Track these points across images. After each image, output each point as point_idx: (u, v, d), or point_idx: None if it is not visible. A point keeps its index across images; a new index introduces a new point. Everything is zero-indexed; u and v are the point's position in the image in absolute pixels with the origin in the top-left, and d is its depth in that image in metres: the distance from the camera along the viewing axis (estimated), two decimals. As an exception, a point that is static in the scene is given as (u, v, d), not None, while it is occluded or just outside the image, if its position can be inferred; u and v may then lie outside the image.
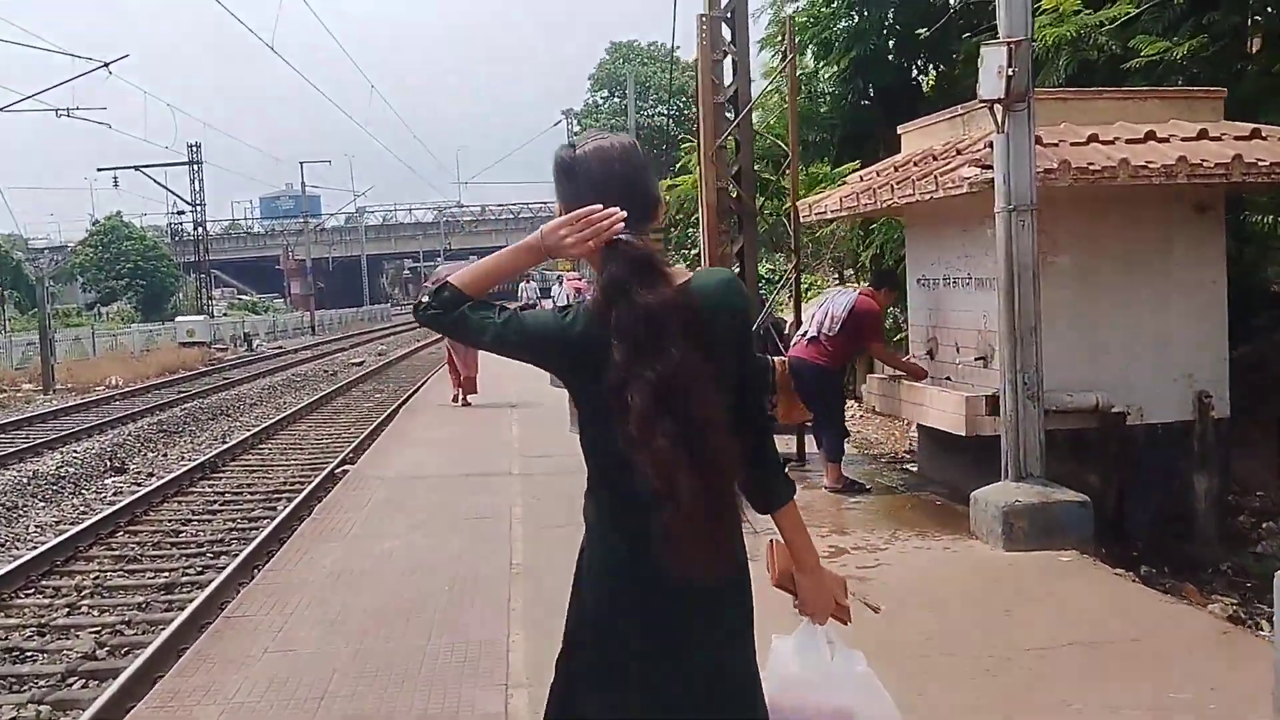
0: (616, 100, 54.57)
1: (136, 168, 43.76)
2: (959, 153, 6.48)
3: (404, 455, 12.39)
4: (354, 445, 15.44)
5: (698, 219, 15.57)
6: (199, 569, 9.53)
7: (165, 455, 16.43)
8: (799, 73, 11.79)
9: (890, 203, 6.75)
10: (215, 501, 12.50)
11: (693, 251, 34.18)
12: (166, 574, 9.43)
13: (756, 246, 8.97)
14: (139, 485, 13.74)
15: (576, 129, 54.50)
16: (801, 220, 8.83)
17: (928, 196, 6.27)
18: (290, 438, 17.61)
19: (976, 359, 7.10)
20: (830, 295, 8.15)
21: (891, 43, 10.81)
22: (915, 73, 11.11)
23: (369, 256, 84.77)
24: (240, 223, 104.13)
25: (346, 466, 13.51)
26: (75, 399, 24.71)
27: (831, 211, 7.67)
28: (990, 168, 5.93)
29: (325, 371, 31.23)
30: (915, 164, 7.01)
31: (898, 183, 6.68)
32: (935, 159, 6.78)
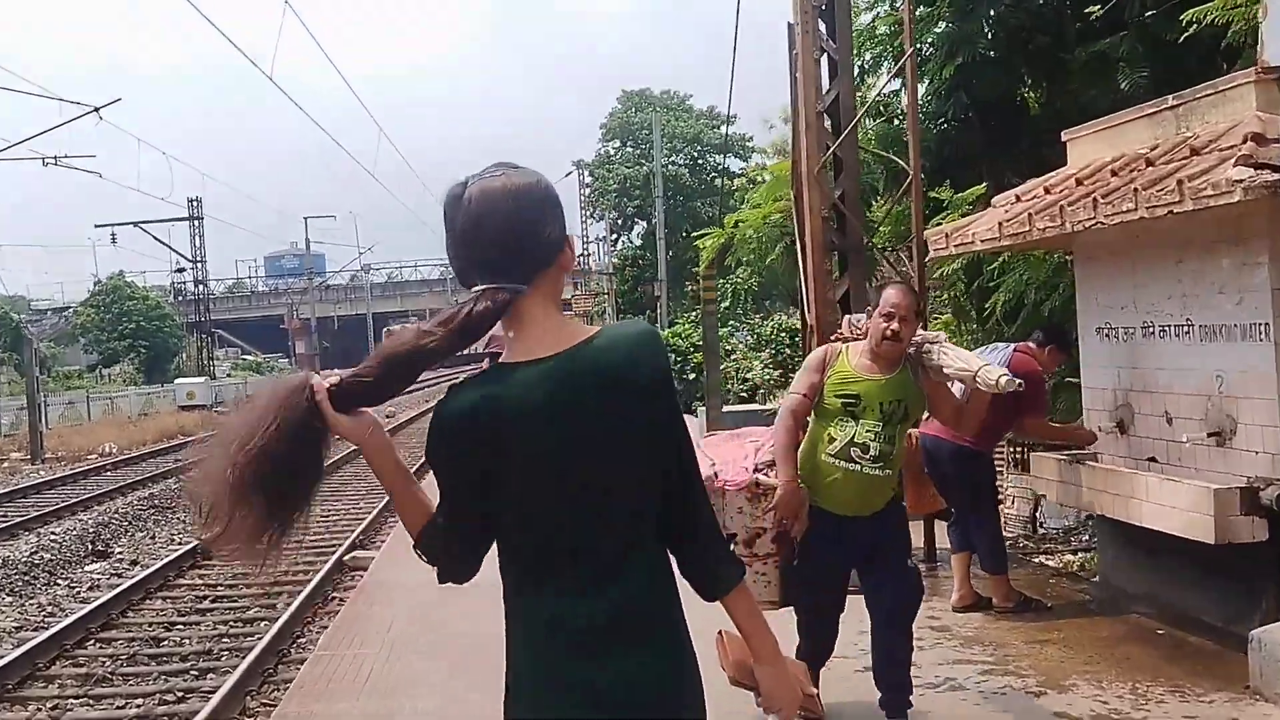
0: (630, 150, 53.29)
1: (135, 223, 42.36)
2: (1195, 152, 4.81)
3: None
4: (365, 524, 13.72)
5: (738, 267, 14.19)
6: (179, 693, 7.82)
7: (154, 537, 14.72)
8: (875, 93, 10.20)
9: (1090, 222, 5.03)
10: (205, 598, 10.79)
11: (723, 305, 32.61)
12: (140, 701, 7.70)
13: (865, 288, 7.27)
14: (120, 575, 12.04)
15: (589, 180, 53.31)
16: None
17: (1165, 211, 4.58)
18: (293, 514, 15.84)
19: (1210, 435, 5.33)
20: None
21: (993, 53, 9.21)
22: (1022, 87, 9.54)
23: (375, 314, 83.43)
24: (244, 281, 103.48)
25: (356, 554, 11.81)
26: (65, 469, 23.15)
27: (983, 240, 5.96)
28: (1273, 167, 4.25)
29: (333, 438, 29.48)
30: (1117, 173, 5.34)
31: (1103, 196, 4.97)
32: (1150, 164, 5.11)
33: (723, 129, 53.97)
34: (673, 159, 48.86)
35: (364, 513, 15.05)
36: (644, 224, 52.53)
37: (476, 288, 1.96)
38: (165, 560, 12.12)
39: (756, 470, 4.76)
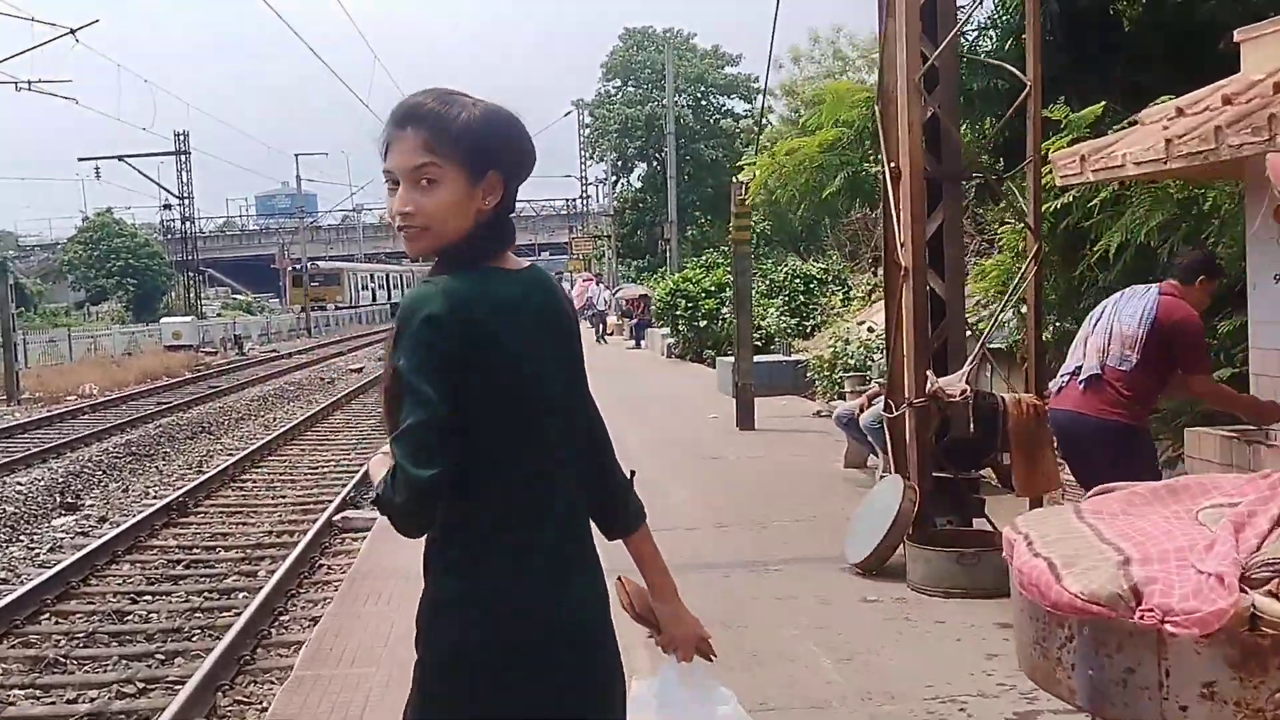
0: (631, 89, 51.71)
1: (119, 157, 40.83)
2: None
3: None
4: (358, 478, 12.56)
5: (789, 202, 13.04)
6: (141, 683, 6.75)
7: (127, 489, 13.53)
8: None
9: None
10: (179, 563, 9.67)
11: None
12: (94, 693, 6.63)
13: (961, 225, 6.08)
14: (86, 534, 10.91)
15: (588, 120, 51.76)
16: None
17: None
18: (279, 465, 14.77)
19: None
20: (1107, 306, 5.12)
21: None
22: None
23: (367, 255, 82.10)
24: (235, 220, 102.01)
25: (348, 513, 10.67)
26: (41, 411, 22.04)
27: (1138, 163, 4.77)
28: None
29: (321, 379, 28.39)
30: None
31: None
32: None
33: (727, 69, 52.51)
34: (675, 99, 47.29)
35: (356, 464, 13.92)
36: (644, 166, 51.14)
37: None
38: (137, 517, 10.99)
39: (1250, 580, 2.33)
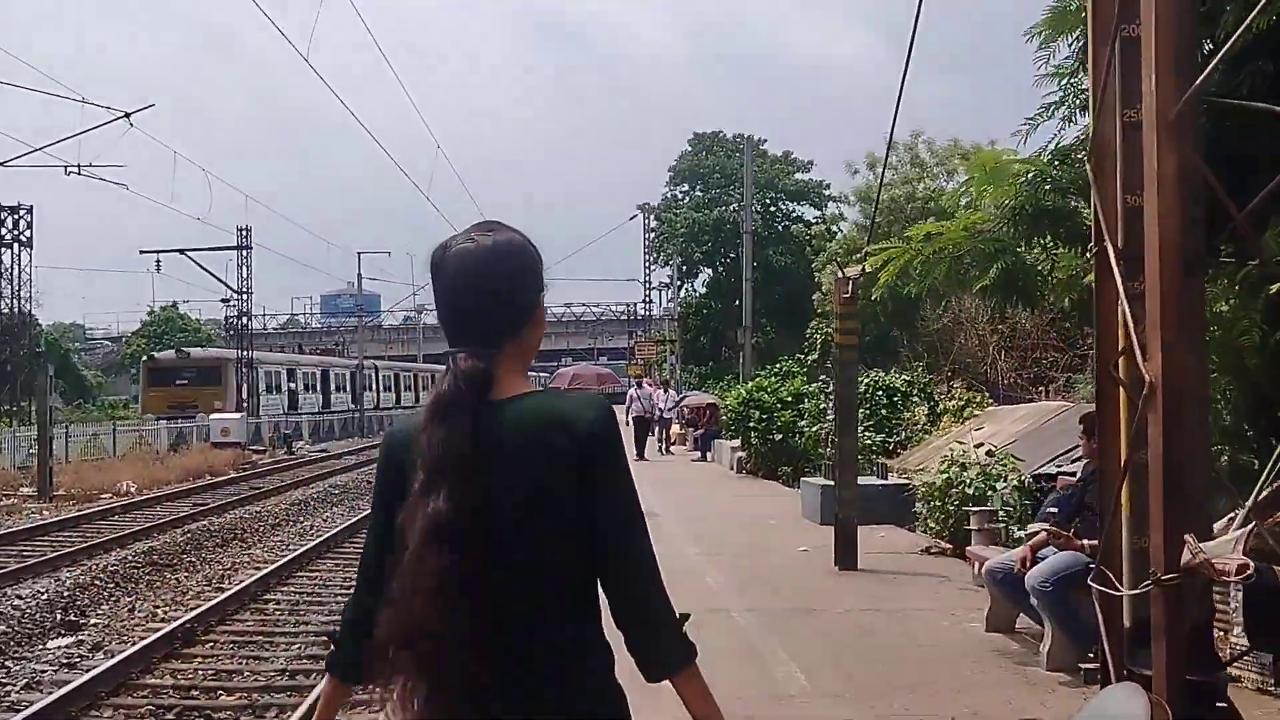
0: (699, 194, 50.84)
1: (181, 251, 40.34)
2: None
3: None
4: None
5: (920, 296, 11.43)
6: None
7: (133, 609, 11.97)
8: None
9: None
10: (170, 710, 8.05)
11: (810, 357, 29.47)
12: None
13: (1205, 325, 4.43)
14: (73, 665, 9.41)
15: (654, 224, 50.86)
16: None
17: None
18: (308, 583, 13.19)
19: None
20: None
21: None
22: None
23: (427, 357, 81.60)
24: (297, 318, 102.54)
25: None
26: (72, 509, 20.75)
27: None
28: None
29: (368, 482, 26.86)
30: None
31: None
32: None
33: (797, 175, 51.53)
34: (743, 206, 46.28)
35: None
36: (710, 272, 49.98)
37: (448, 351, 2.06)
38: (134, 647, 9.44)
39: None
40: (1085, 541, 6.09)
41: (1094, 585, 4.36)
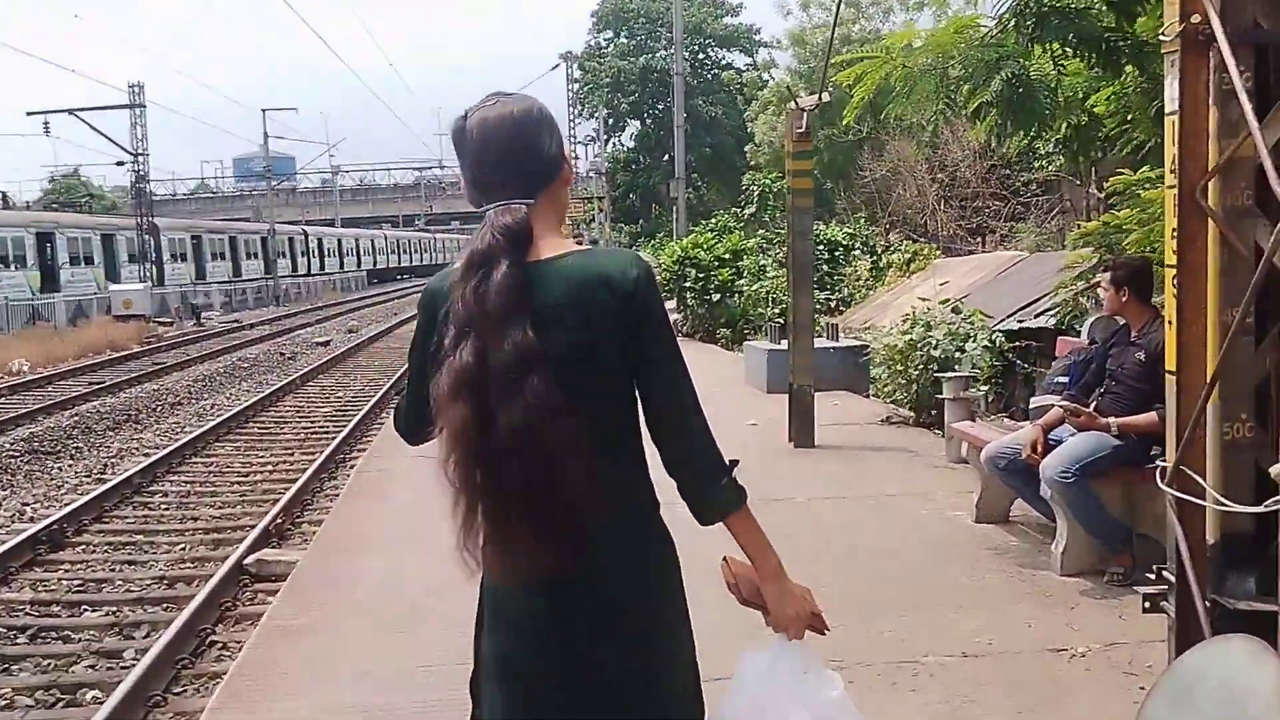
0: (624, 40, 48.50)
1: (70, 111, 37.52)
2: None
3: (380, 567, 6.43)
4: (289, 495, 9.74)
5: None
6: None
7: (4, 503, 10.60)
8: None
9: None
10: (26, 630, 6.85)
11: (746, 210, 28.17)
12: None
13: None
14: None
15: (578, 74, 48.59)
16: None
17: None
18: (199, 471, 11.89)
19: None
20: None
21: None
22: None
23: (344, 221, 79.05)
24: (208, 183, 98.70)
25: (264, 554, 7.88)
26: (-47, 392, 18.99)
27: None
28: None
29: (280, 354, 25.40)
30: None
31: None
32: None
33: (726, 19, 49.40)
34: (670, 51, 44.20)
35: (296, 470, 11.08)
36: (638, 124, 48.02)
37: (486, 207, 2.07)
38: (4, 547, 8.18)
39: None
40: (1112, 420, 5.00)
41: (1168, 490, 3.24)
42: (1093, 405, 5.21)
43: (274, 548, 8.40)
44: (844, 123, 7.77)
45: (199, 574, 7.90)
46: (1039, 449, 5.14)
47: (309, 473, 10.80)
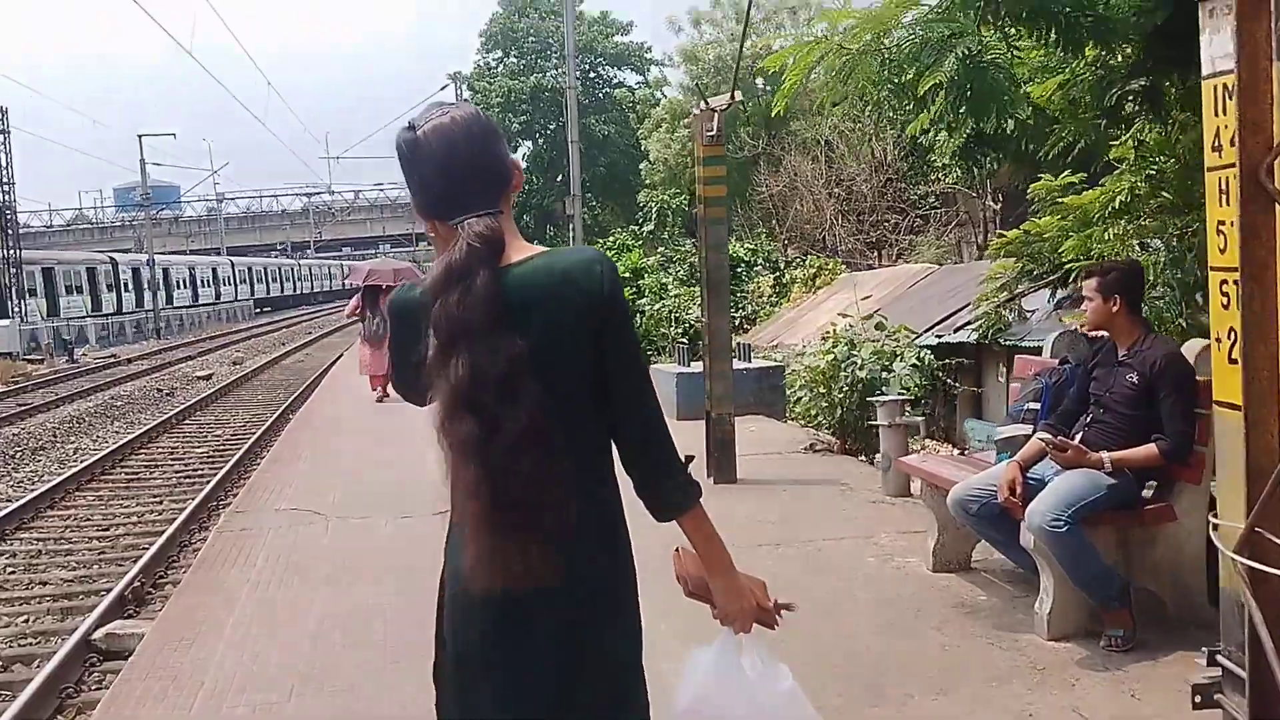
0: (514, 60, 47.63)
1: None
2: None
3: (230, 661, 5.34)
4: (151, 553, 8.69)
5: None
6: None
7: None
8: None
9: None
10: None
11: (644, 228, 27.48)
12: None
13: None
14: None
15: (467, 94, 47.60)
16: None
17: None
18: (55, 526, 10.70)
19: None
20: None
21: None
22: None
23: (231, 250, 76.65)
24: (86, 213, 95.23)
25: (114, 628, 6.85)
26: None
27: None
28: None
29: (158, 390, 23.88)
30: None
31: None
32: None
33: (617, 38, 48.91)
34: (561, 71, 43.52)
35: (164, 521, 9.96)
36: (529, 144, 47.15)
37: (460, 219, 2.04)
38: None
39: None
40: (1104, 455, 4.27)
41: (1238, 558, 2.51)
42: (1077, 437, 4.49)
43: (129, 617, 7.38)
44: (774, 113, 7.09)
45: (40, 651, 6.84)
46: (1018, 491, 4.39)
47: (176, 523, 9.73)
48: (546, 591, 2.02)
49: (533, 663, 2.05)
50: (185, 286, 58.29)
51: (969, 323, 11.39)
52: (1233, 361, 2.79)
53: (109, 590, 7.82)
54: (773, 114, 6.66)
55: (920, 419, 7.83)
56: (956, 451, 11.44)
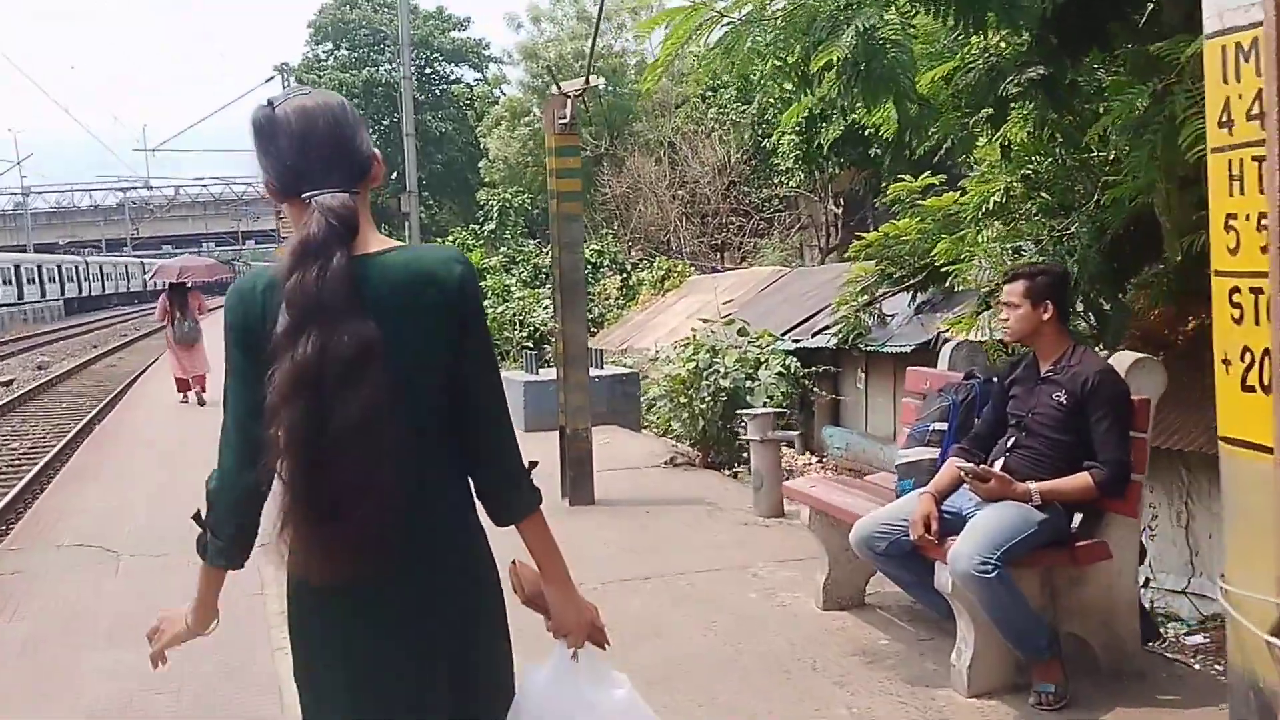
0: (345, 53, 45.91)
1: None
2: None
3: None
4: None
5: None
6: None
7: None
8: None
9: None
10: None
11: (485, 227, 26.58)
12: None
13: None
14: None
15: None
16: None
17: None
18: None
19: None
20: None
21: None
22: None
23: (38, 247, 72.11)
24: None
25: None
26: None
27: None
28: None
29: (-49, 400, 21.76)
30: None
31: None
32: None
33: (454, 34, 47.74)
34: (395, 65, 42.13)
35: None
36: (362, 140, 45.52)
37: (313, 194, 1.96)
38: None
39: None
40: (1032, 486, 3.71)
41: (1274, 644, 1.97)
42: (997, 464, 3.94)
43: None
44: (644, 89, 6.45)
45: None
46: (933, 528, 3.77)
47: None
48: (373, 588, 1.95)
49: (371, 659, 1.98)
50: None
51: (827, 327, 11.00)
52: (1249, 389, 2.26)
53: None
54: (643, 90, 6.05)
55: (796, 434, 7.27)
56: (816, 460, 11.04)
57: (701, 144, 28.24)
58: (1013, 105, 5.30)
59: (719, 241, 28.29)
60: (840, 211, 26.83)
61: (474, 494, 2.07)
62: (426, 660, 2.00)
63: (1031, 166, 7.12)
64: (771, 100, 21.21)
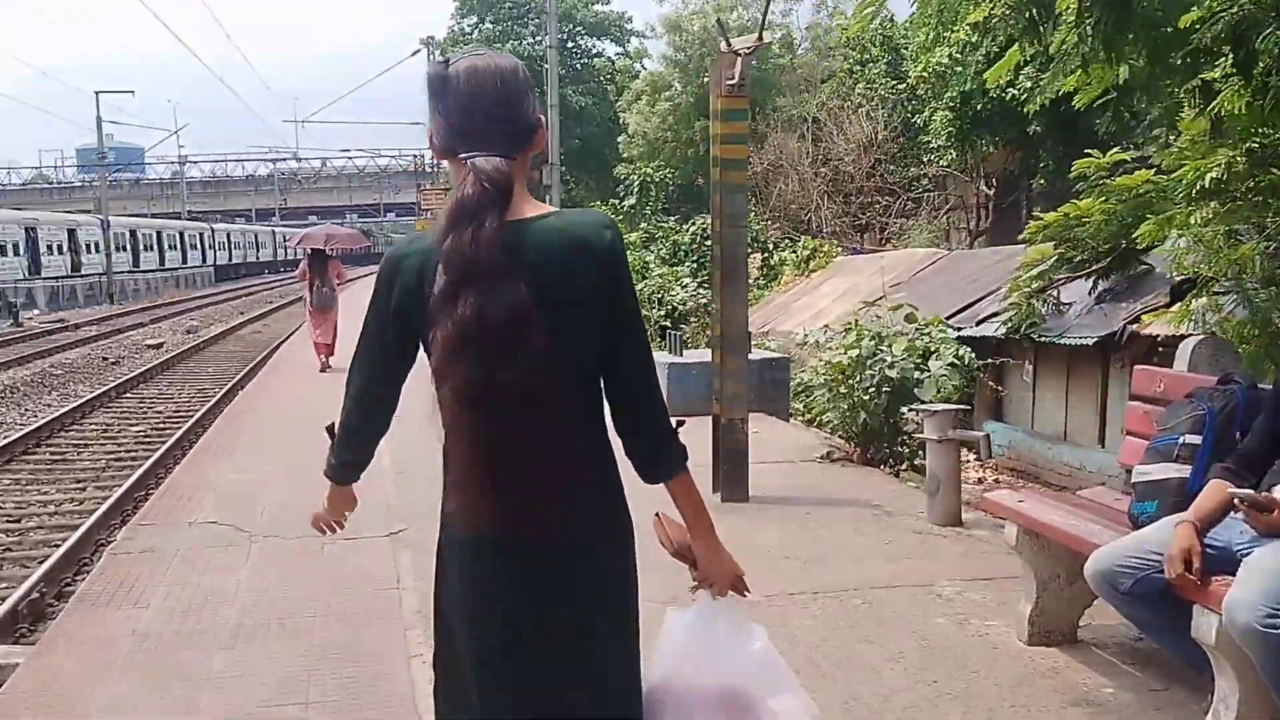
0: (489, 26, 46.09)
1: None
2: None
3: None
4: (59, 555, 7.52)
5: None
6: None
7: None
8: None
9: None
10: None
11: (626, 202, 26.32)
12: None
13: None
14: None
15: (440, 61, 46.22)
16: None
17: None
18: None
19: None
20: None
21: None
22: None
23: (194, 214, 74.67)
24: (45, 173, 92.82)
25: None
26: None
27: None
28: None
29: (104, 359, 22.44)
30: None
31: None
32: None
33: (597, 7, 47.54)
34: (539, 39, 42.01)
35: (67, 528, 8.68)
36: (504, 114, 45.72)
37: (465, 155, 2.01)
38: None
39: None
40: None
41: None
42: (1277, 490, 3.27)
43: (20, 640, 6.19)
44: (849, 35, 5.91)
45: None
46: (1194, 564, 3.16)
47: (94, 518, 8.51)
48: (529, 541, 2.01)
49: (501, 606, 2.02)
50: (126, 249, 55.64)
51: (994, 314, 10.25)
52: None
53: (3, 600, 6.63)
54: (848, 35, 5.48)
55: (981, 435, 6.62)
56: (974, 458, 10.30)
57: (848, 120, 27.36)
58: (1260, 62, 4.55)
59: (862, 221, 27.41)
60: (992, 192, 25.69)
61: (623, 451, 2.09)
62: (563, 608, 2.02)
63: (1258, 139, 6.29)
64: (925, 75, 20.30)
